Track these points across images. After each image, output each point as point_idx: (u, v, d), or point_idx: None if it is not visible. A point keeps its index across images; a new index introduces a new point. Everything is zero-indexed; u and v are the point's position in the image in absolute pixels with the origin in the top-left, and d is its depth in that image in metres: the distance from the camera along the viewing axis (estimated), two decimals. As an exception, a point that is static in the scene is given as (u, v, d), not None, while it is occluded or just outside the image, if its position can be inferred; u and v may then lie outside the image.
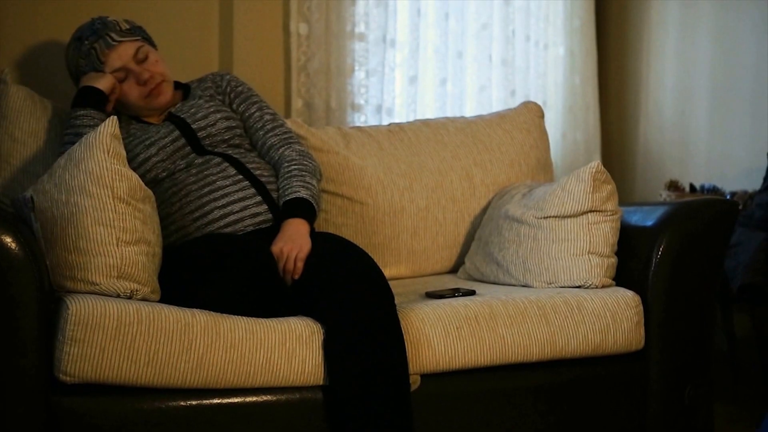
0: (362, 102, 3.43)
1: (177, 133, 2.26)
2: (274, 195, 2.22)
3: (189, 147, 2.25)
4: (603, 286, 2.19)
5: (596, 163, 2.25)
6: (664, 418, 2.15)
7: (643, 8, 4.01)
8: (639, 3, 4.04)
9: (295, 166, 2.27)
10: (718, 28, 3.67)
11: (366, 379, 1.83)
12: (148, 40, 2.38)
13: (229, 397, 1.83)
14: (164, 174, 2.22)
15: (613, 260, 2.24)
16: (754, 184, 3.23)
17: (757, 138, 3.49)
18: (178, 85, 2.44)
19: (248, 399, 1.84)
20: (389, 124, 2.79)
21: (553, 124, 3.91)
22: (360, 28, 3.43)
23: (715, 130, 3.67)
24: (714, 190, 3.38)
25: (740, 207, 3.05)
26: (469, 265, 2.51)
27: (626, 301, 2.13)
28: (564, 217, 2.25)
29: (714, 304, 2.28)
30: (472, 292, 2.18)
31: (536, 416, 2.07)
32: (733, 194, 3.27)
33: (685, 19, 3.83)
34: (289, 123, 2.51)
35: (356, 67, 3.41)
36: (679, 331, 2.17)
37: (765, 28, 3.47)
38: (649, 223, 2.24)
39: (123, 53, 2.28)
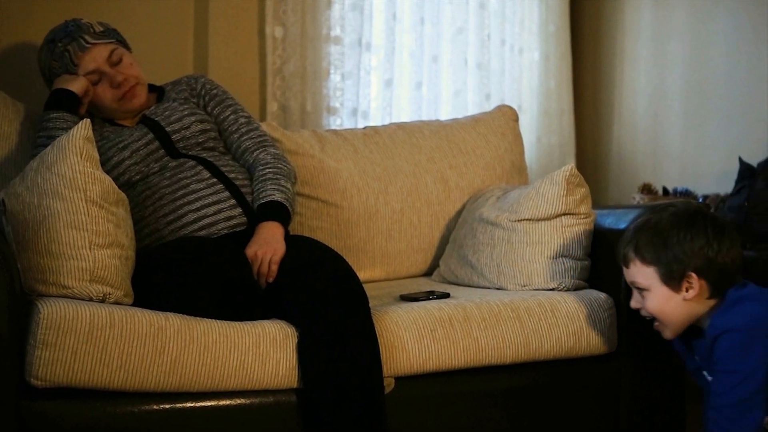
0: (338, 105, 3.43)
1: (151, 136, 2.25)
2: (249, 198, 2.22)
3: (163, 150, 2.24)
4: (576, 289, 2.21)
5: (570, 166, 2.27)
6: (636, 419, 2.17)
7: (617, 14, 4.05)
8: (613, 8, 4.07)
9: (270, 170, 2.27)
10: (690, 34, 3.71)
11: (340, 381, 1.82)
12: (122, 42, 2.37)
13: (202, 401, 1.82)
14: (138, 177, 2.21)
15: (587, 263, 2.26)
16: (726, 188, 3.26)
17: (729, 142, 3.52)
18: (152, 88, 2.43)
19: (222, 402, 1.83)
20: (364, 128, 2.79)
21: (528, 127, 3.93)
22: (336, 31, 3.43)
23: (688, 134, 3.70)
24: (686, 193, 3.41)
25: (712, 210, 3.08)
26: (443, 267, 2.51)
27: (599, 303, 2.14)
28: (538, 220, 2.26)
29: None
30: (446, 295, 2.18)
31: (510, 418, 2.08)
32: (705, 197, 3.30)
33: (659, 24, 3.86)
34: (264, 126, 2.50)
35: (332, 71, 3.41)
36: (652, 333, 2.18)
37: (737, 33, 3.51)
38: (622, 225, 2.25)
39: (97, 56, 2.27)
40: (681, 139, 3.75)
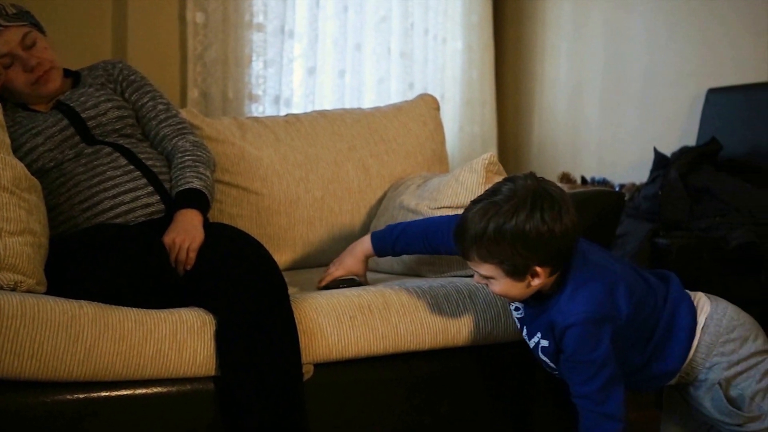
0: (260, 93, 3.41)
1: (66, 122, 2.20)
2: (167, 186, 2.19)
3: (78, 136, 2.19)
4: (494, 276, 2.23)
5: (489, 154, 2.29)
6: (551, 403, 2.21)
7: (539, 6, 4.11)
8: (534, 1, 4.12)
9: (189, 157, 2.24)
10: (608, 29, 3.79)
11: (258, 369, 1.82)
12: (36, 25, 2.31)
13: (117, 390, 1.79)
14: (52, 164, 2.16)
15: (505, 250, 2.28)
16: (642, 177, 3.34)
17: (645, 133, 3.61)
18: (67, 73, 2.37)
19: (138, 391, 1.81)
20: (286, 115, 2.78)
21: (450, 117, 3.97)
22: (258, 18, 3.41)
23: (606, 125, 3.79)
24: (604, 182, 3.49)
25: (627, 199, 3.15)
26: (364, 255, 2.52)
27: (516, 289, 2.17)
28: (457, 207, 2.28)
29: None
30: (352, 281, 2.18)
31: (430, 404, 2.10)
32: (621, 186, 3.38)
33: (578, 18, 3.93)
34: (183, 113, 2.47)
35: (254, 58, 3.40)
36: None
37: (653, 29, 3.59)
38: (539, 213, 2.29)
39: (9, 39, 2.21)
40: (599, 131, 3.83)
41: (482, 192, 2.26)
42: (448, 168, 2.85)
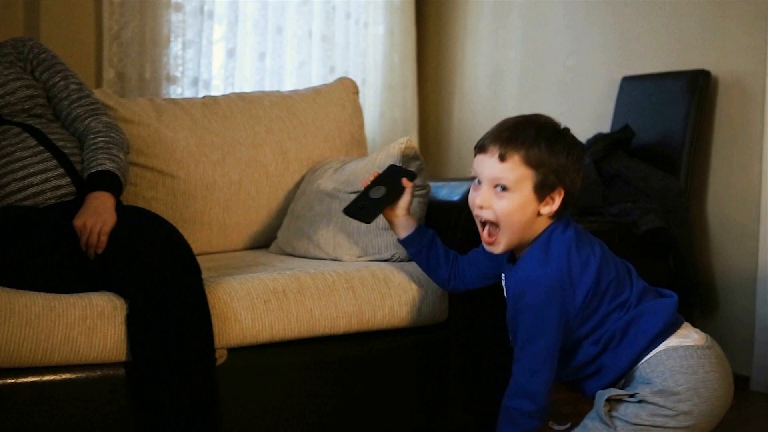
0: (178, 74, 3.36)
1: (-28, 101, 2.14)
2: (79, 167, 2.15)
3: (-15, 116, 2.13)
4: (410, 260, 2.25)
5: (406, 139, 2.30)
6: (464, 385, 2.24)
7: (460, -9, 4.13)
8: (456, -15, 4.15)
9: (102, 138, 2.20)
10: (528, 15, 3.83)
11: (170, 354, 1.80)
12: (-60, 1, 2.23)
13: (24, 376, 1.76)
14: (-43, 144, 2.10)
15: (421, 234, 2.30)
16: (558, 163, 3.39)
17: (563, 119, 3.65)
18: (-26, 51, 2.30)
19: (45, 377, 1.78)
20: (203, 97, 2.74)
21: (371, 101, 3.98)
22: (177, -2, 3.36)
23: (525, 110, 3.83)
24: (521, 167, 3.53)
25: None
26: (281, 239, 2.52)
27: (431, 274, 2.19)
28: (373, 191, 2.29)
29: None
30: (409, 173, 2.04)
31: (344, 388, 2.11)
32: (538, 172, 3.42)
33: (499, 4, 3.97)
34: (97, 93, 2.42)
35: (172, 38, 3.34)
36: (480, 301, 2.25)
37: (572, 16, 3.65)
38: (455, 197, 2.31)
39: None
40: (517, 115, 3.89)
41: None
42: (367, 152, 2.85)
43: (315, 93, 2.82)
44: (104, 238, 1.97)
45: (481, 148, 1.73)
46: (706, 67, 3.09)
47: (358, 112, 2.83)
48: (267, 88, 3.60)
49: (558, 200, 1.69)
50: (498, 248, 1.75)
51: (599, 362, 1.73)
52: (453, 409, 2.24)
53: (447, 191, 2.37)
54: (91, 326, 1.80)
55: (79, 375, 1.81)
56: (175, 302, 1.83)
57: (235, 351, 1.96)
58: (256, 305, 1.98)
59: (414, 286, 2.16)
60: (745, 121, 3.05)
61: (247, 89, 3.55)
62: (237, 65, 3.55)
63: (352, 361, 2.12)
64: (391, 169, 2.02)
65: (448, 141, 4.16)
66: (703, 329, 3.18)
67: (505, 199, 1.67)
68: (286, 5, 3.69)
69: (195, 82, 3.38)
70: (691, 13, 3.21)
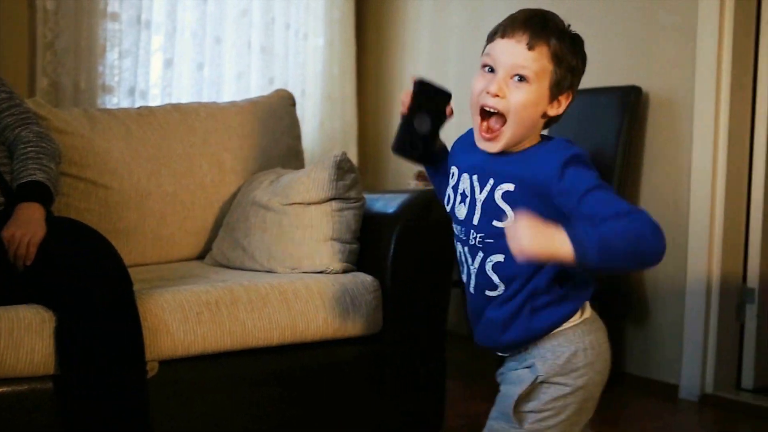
0: (114, 84, 3.33)
1: None
2: (8, 178, 2.12)
3: None
4: (344, 272, 2.26)
5: (341, 152, 2.31)
6: (399, 395, 2.26)
7: (400, 5, 4.17)
8: (396, 0, 4.18)
9: (32, 148, 2.17)
10: (467, 27, 3.88)
11: (99, 367, 1.78)
12: None
13: (-52, 391, 1.73)
14: None
15: (355, 246, 2.32)
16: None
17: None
18: None
19: (-30, 392, 1.75)
20: (138, 107, 2.72)
21: (311, 112, 3.98)
22: (113, 7, 3.33)
23: (462, 124, 3.88)
24: (459, 180, 3.56)
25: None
26: (216, 251, 2.51)
27: (365, 285, 2.21)
28: (308, 204, 2.30)
29: (448, 286, 2.41)
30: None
31: (278, 400, 2.11)
32: (475, 184, 3.45)
33: (438, 17, 4.01)
34: (29, 103, 2.39)
35: (108, 48, 3.31)
36: (415, 313, 2.28)
37: (508, 29, 3.70)
38: (390, 210, 2.33)
39: None
40: (456, 128, 3.92)
41: (333, 189, 2.29)
42: (304, 163, 2.86)
43: (252, 104, 2.82)
44: (33, 250, 1.94)
45: (504, 32, 1.59)
46: (638, 84, 3.16)
47: (295, 123, 2.84)
48: (205, 99, 3.58)
49: (564, 105, 1.60)
50: (497, 145, 1.59)
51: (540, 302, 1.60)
52: (388, 419, 2.25)
53: (382, 204, 2.39)
54: (18, 339, 1.78)
55: (5, 389, 1.78)
56: (105, 315, 1.81)
57: (166, 363, 1.94)
58: (188, 317, 1.97)
59: (348, 298, 2.17)
60: (675, 135, 3.12)
61: (185, 99, 3.53)
62: (175, 75, 3.52)
63: (286, 373, 2.12)
64: (422, 87, 1.75)
65: (386, 152, 4.18)
66: (635, 339, 3.26)
67: (523, 90, 1.55)
68: (224, 16, 3.68)
69: (131, 91, 3.36)
70: (623, 31, 3.28)
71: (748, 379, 3.09)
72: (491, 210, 1.57)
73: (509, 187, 1.56)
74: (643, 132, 3.20)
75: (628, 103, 3.13)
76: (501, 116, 1.57)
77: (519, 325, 1.62)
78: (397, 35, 4.18)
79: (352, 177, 2.34)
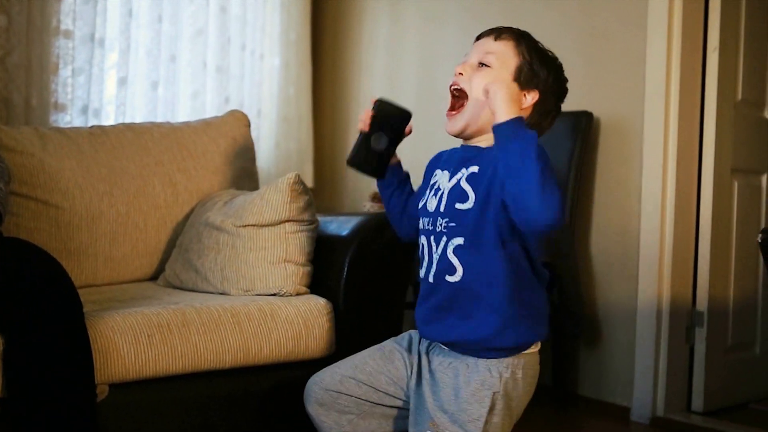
0: (66, 102, 3.29)
1: None
2: (-44, 197, 2.08)
3: None
4: (297, 294, 2.26)
5: (294, 174, 2.31)
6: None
7: (356, 26, 4.19)
8: (352, 20, 4.20)
9: (-20, 167, 2.14)
10: (422, 48, 3.91)
11: (47, 390, 1.76)
12: None
13: None
14: None
15: (309, 268, 2.32)
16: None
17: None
18: None
19: None
20: (91, 126, 2.70)
21: (266, 133, 3.97)
22: (66, 24, 3.29)
23: (418, 144, 3.90)
24: (413, 201, 3.57)
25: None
26: (169, 272, 2.49)
27: (318, 308, 2.21)
28: (262, 225, 2.30)
29: (401, 308, 2.41)
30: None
31: (231, 423, 2.09)
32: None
33: (393, 38, 4.04)
34: (-22, 121, 2.36)
35: (61, 65, 3.27)
36: (368, 335, 2.27)
37: (464, 51, 3.74)
38: (344, 232, 2.34)
39: None
40: (412, 148, 3.94)
41: (286, 211, 2.29)
42: (258, 184, 2.86)
43: (205, 125, 2.81)
44: (-20, 272, 1.91)
45: (481, 35, 1.78)
46: (589, 109, 3.21)
47: (249, 144, 2.83)
48: (160, 118, 3.55)
49: (529, 100, 1.70)
50: (456, 124, 1.76)
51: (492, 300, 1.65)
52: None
53: (336, 226, 2.39)
54: (-37, 363, 1.74)
55: (-51, 413, 1.75)
56: (54, 337, 1.79)
57: (117, 387, 1.92)
58: (139, 340, 1.95)
59: (300, 321, 2.17)
60: (625, 160, 3.17)
61: (139, 118, 3.50)
62: (129, 94, 3.49)
63: (238, 396, 2.11)
64: (382, 107, 1.86)
65: (342, 173, 4.18)
66: (587, 361, 3.29)
67: (484, 72, 1.70)
68: (180, 34, 3.66)
69: (84, 110, 3.32)
70: (575, 58, 3.33)
71: (698, 402, 3.13)
72: (456, 193, 1.69)
73: (474, 169, 1.69)
74: (595, 156, 3.25)
75: (580, 128, 3.17)
76: (466, 95, 1.73)
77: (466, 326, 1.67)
78: (352, 56, 4.20)
79: (306, 199, 2.34)
